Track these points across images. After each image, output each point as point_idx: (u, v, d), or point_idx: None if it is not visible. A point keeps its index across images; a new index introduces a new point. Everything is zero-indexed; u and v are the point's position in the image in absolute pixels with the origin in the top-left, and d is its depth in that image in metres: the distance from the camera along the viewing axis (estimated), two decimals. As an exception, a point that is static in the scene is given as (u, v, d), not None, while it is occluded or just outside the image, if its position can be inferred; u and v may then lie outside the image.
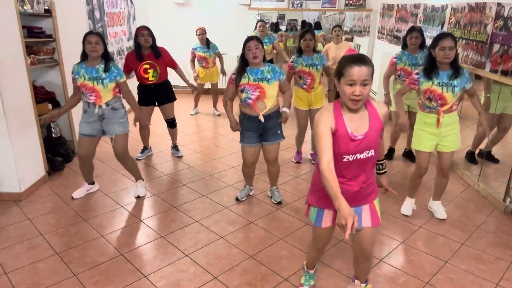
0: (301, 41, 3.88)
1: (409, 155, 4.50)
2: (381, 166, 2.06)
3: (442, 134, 2.99)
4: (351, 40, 7.80)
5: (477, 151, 4.20)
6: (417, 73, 2.97)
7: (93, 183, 3.67)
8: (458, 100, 2.98)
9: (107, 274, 2.53)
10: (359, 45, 7.90)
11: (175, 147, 4.61)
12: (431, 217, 3.25)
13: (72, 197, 3.51)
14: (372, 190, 1.95)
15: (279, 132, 3.24)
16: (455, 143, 3.03)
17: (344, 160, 1.78)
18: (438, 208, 3.27)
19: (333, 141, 1.74)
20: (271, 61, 6.12)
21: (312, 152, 4.48)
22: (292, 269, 2.59)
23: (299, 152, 4.46)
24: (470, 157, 4.23)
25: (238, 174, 3.98)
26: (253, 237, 2.97)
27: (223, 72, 6.09)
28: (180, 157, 4.54)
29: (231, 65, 7.33)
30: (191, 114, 6.29)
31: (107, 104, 3.24)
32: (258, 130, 3.18)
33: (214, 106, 6.38)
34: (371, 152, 1.79)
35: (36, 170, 3.72)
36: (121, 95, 3.36)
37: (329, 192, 1.67)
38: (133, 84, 4.26)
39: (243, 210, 3.37)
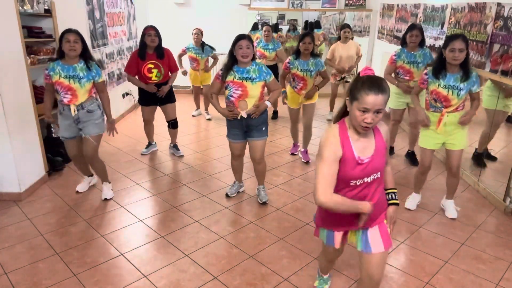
0: (300, 44, 3.86)
1: (411, 156, 4.43)
2: (393, 195, 1.88)
3: (448, 132, 3.01)
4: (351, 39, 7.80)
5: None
6: (426, 73, 3.01)
7: (92, 175, 3.72)
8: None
9: (107, 274, 2.53)
10: (357, 44, 7.90)
11: (175, 146, 4.62)
12: (431, 217, 3.25)
13: (77, 191, 3.60)
14: (383, 210, 1.85)
15: (263, 129, 3.25)
16: (462, 141, 3.03)
17: (351, 184, 1.70)
18: (448, 207, 3.27)
19: (339, 166, 1.66)
20: (275, 67, 5.88)
21: (303, 150, 4.44)
22: (292, 269, 2.58)
23: (295, 145, 4.57)
24: (477, 158, 4.08)
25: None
26: (253, 237, 2.97)
27: (207, 68, 5.72)
28: (181, 156, 4.55)
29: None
30: (193, 115, 6.24)
31: (82, 107, 3.18)
32: (241, 127, 3.21)
33: (206, 109, 6.18)
34: (377, 175, 1.72)
35: (36, 170, 3.71)
36: (97, 96, 3.32)
37: (348, 210, 1.70)
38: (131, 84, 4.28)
39: (243, 210, 3.37)
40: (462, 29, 4.05)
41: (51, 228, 3.06)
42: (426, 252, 2.79)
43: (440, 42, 4.35)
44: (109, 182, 3.60)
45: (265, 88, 3.22)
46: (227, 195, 3.54)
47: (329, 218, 1.87)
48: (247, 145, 3.36)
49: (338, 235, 1.90)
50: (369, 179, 1.70)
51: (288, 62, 3.97)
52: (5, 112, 3.26)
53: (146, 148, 4.62)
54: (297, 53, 3.93)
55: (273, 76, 3.18)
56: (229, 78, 3.08)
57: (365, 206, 1.69)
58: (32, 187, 3.60)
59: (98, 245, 2.84)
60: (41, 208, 3.35)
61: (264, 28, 5.69)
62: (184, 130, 5.45)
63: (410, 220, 3.21)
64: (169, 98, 4.32)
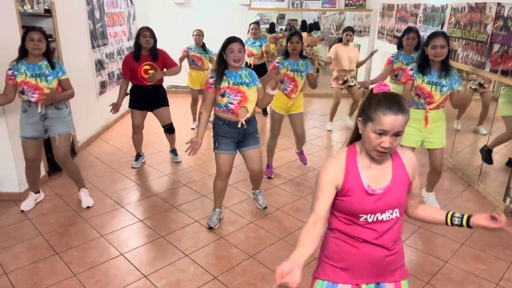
0: (288, 44, 3.68)
1: None
2: (455, 218, 1.52)
3: (428, 130, 3.04)
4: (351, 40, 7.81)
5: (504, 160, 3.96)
6: (411, 69, 3.03)
7: (39, 192, 3.45)
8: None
9: (107, 274, 2.53)
10: (359, 45, 7.91)
11: (173, 151, 4.48)
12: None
13: (22, 210, 3.28)
14: (400, 266, 1.51)
15: (257, 136, 3.05)
16: (441, 140, 3.09)
17: (361, 219, 1.40)
18: (429, 198, 3.38)
19: (341, 200, 1.41)
20: (263, 66, 5.89)
21: (298, 151, 4.27)
22: (292, 269, 2.58)
23: (269, 166, 4.06)
24: (487, 154, 3.92)
25: (238, 174, 3.98)
26: (253, 237, 2.97)
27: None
28: (179, 162, 4.42)
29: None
30: (192, 128, 5.66)
31: (50, 103, 3.07)
32: (237, 136, 2.94)
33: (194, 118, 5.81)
34: (396, 213, 1.42)
35: (36, 170, 3.71)
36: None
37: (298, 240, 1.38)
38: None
39: (243, 210, 3.37)
40: (462, 29, 4.06)
41: (51, 228, 3.06)
42: (426, 252, 2.79)
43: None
44: (86, 188, 3.42)
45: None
46: (210, 228, 3.06)
47: (334, 263, 1.49)
48: (239, 159, 3.16)
49: None
50: (383, 216, 1.40)
51: (278, 62, 3.73)
52: (5, 112, 3.26)
53: (135, 160, 4.31)
54: (286, 54, 3.74)
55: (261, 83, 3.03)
56: (224, 84, 2.81)
57: (291, 258, 1.28)
58: (32, 187, 3.60)
59: (98, 245, 2.84)
60: (41, 208, 3.35)
61: (252, 26, 5.70)
62: (184, 130, 5.45)
63: (410, 220, 3.20)
64: (163, 101, 4.11)
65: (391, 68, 4.13)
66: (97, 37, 5.16)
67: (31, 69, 3.00)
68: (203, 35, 5.48)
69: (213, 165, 4.30)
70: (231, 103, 2.84)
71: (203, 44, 5.52)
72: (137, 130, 4.19)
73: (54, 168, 3.97)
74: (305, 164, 4.29)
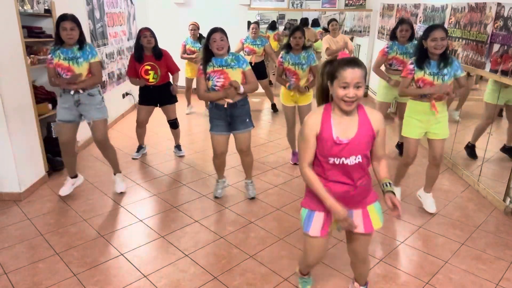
0: (291, 39, 3.80)
1: (400, 147, 4.41)
2: (384, 185, 1.87)
3: (431, 121, 3.04)
4: (351, 40, 7.81)
5: (496, 148, 4.14)
6: (411, 63, 3.04)
7: (76, 176, 3.60)
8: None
9: (107, 274, 2.53)
10: (359, 45, 7.91)
11: (177, 147, 4.62)
12: (431, 217, 3.25)
13: (59, 195, 3.48)
14: (365, 196, 1.89)
15: (247, 120, 3.25)
16: (444, 131, 3.09)
17: (330, 162, 1.79)
18: (426, 200, 3.32)
19: (317, 143, 1.79)
20: (262, 63, 6.20)
21: (294, 151, 4.38)
22: (292, 269, 2.58)
23: (295, 154, 4.33)
24: (471, 151, 4.23)
25: (238, 174, 3.98)
26: (253, 237, 2.97)
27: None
28: (182, 156, 4.55)
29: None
30: (187, 114, 6.26)
31: (83, 89, 3.20)
32: (225, 118, 3.18)
33: (206, 106, 6.13)
34: (358, 158, 1.78)
35: (36, 170, 3.72)
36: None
37: (317, 193, 1.81)
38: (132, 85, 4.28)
39: (243, 210, 3.37)
40: (462, 29, 4.06)
41: (51, 228, 3.06)
42: (426, 252, 2.79)
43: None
44: (120, 172, 3.58)
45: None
46: (215, 197, 3.51)
47: (313, 195, 1.88)
48: (232, 140, 3.33)
49: (316, 222, 1.90)
50: (348, 161, 1.77)
51: (281, 57, 3.91)
52: (5, 112, 3.26)
53: (137, 151, 4.53)
54: (287, 47, 3.87)
55: (249, 66, 3.20)
56: (209, 69, 3.09)
57: (337, 210, 1.79)
58: (32, 187, 3.60)
59: (98, 245, 2.84)
60: (41, 208, 3.35)
61: (252, 25, 5.95)
62: (184, 130, 5.45)
63: (410, 220, 3.21)
64: (170, 98, 4.31)
65: (385, 59, 4.19)
66: (97, 37, 5.16)
67: (65, 53, 3.14)
68: (198, 28, 5.83)
69: (213, 165, 4.31)
70: (215, 86, 3.10)
71: (200, 35, 5.82)
72: (141, 125, 4.41)
73: (54, 168, 3.98)
74: (296, 163, 4.25)
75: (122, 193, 3.58)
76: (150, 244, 2.87)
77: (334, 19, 5.90)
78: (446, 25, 4.40)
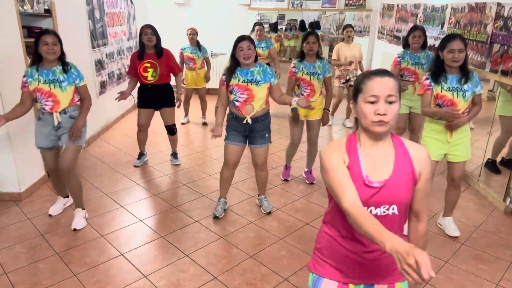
0: (304, 44, 3.46)
1: None
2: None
3: (452, 143, 2.79)
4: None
5: (498, 159, 3.94)
6: (427, 78, 2.78)
7: (68, 196, 3.37)
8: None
9: (107, 274, 2.53)
10: (359, 45, 7.90)
11: (173, 154, 4.42)
12: (431, 217, 3.25)
13: (50, 215, 3.21)
14: (395, 268, 1.37)
15: (266, 135, 3.11)
16: (465, 153, 2.82)
17: None
18: (449, 225, 3.03)
19: None
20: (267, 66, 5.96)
21: (307, 169, 3.98)
22: (292, 269, 2.59)
23: (287, 167, 4.00)
24: (492, 166, 3.91)
25: (238, 174, 3.98)
26: (253, 237, 2.97)
27: (207, 78, 5.63)
28: (178, 165, 4.36)
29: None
30: (182, 123, 5.80)
31: (65, 111, 2.91)
32: (244, 131, 3.06)
33: (203, 113, 5.92)
34: (393, 209, 1.29)
35: (36, 170, 3.72)
36: (79, 103, 3.02)
37: (367, 234, 1.11)
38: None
39: (243, 210, 3.37)
40: (462, 29, 4.05)
41: (51, 228, 3.06)
42: (426, 252, 2.79)
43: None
44: (83, 208, 3.15)
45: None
46: (215, 217, 3.21)
47: (323, 257, 1.44)
48: (247, 153, 3.20)
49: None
50: (377, 211, 1.30)
51: (293, 67, 3.51)
52: (5, 112, 3.26)
53: (138, 159, 4.32)
54: (301, 56, 3.53)
55: (277, 80, 3.07)
56: (233, 81, 2.93)
57: (399, 244, 1.03)
58: (32, 187, 3.60)
59: (98, 245, 2.84)
60: (41, 208, 3.35)
61: (256, 28, 5.65)
62: (184, 130, 5.45)
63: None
64: (167, 101, 4.11)
65: (399, 70, 3.91)
66: (97, 37, 5.16)
67: (45, 75, 2.82)
68: (196, 34, 5.44)
69: (213, 165, 4.32)
70: (237, 101, 2.97)
71: (198, 42, 5.47)
72: (142, 129, 4.22)
73: (54, 168, 3.95)
74: (313, 183, 3.90)
75: (75, 230, 3.02)
76: (150, 244, 2.87)
77: (349, 25, 5.56)
78: (446, 25, 4.40)
